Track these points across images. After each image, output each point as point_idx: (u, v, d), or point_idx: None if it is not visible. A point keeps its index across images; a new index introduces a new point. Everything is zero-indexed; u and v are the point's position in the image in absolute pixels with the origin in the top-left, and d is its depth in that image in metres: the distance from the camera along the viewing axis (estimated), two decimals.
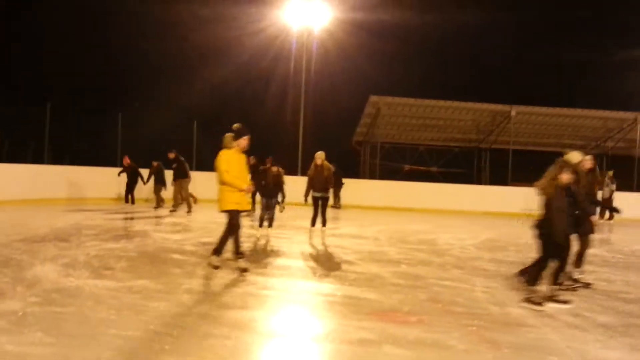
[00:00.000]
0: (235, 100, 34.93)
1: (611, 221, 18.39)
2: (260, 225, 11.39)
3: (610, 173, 19.49)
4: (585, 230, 6.83)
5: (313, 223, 11.89)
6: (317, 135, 29.25)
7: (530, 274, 6.28)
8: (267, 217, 11.43)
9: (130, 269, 7.00)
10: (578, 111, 27.44)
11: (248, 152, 7.47)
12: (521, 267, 6.90)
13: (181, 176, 15.44)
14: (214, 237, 10.49)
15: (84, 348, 3.99)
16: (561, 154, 6.83)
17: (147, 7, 31.00)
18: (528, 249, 10.89)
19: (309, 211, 12.11)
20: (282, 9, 23.48)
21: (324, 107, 31.85)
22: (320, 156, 11.88)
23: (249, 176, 7.71)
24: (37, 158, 18.00)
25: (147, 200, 18.06)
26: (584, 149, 30.74)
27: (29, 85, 28.53)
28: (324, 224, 11.82)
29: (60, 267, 6.84)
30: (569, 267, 6.78)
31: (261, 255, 8.83)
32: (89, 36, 34.67)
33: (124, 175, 17.17)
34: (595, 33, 34.60)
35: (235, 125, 7.19)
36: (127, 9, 31.10)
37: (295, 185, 21.29)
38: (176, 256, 8.16)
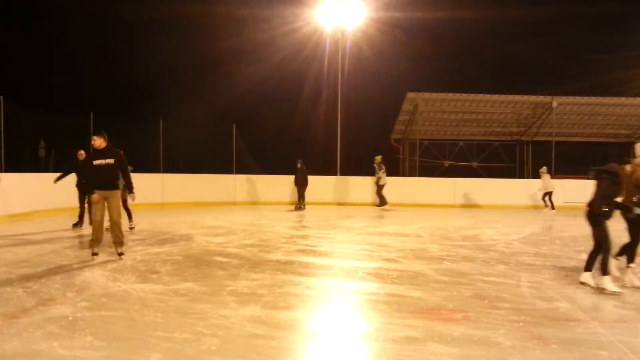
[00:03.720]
0: (270, 101, 35.17)
1: None
2: None
3: None
4: None
5: None
6: (355, 134, 29.24)
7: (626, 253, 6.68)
8: None
9: (175, 272, 7.13)
10: (622, 100, 26.65)
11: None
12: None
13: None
14: (256, 238, 10.61)
15: (132, 351, 4.08)
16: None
17: (181, 11, 31.43)
18: (573, 242, 10.65)
19: (349, 211, 12.09)
20: (316, 9, 23.51)
21: (359, 106, 31.76)
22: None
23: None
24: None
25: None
26: (629, 138, 29.90)
27: (73, 98, 29.33)
28: None
29: (108, 272, 7.02)
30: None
31: (303, 255, 8.86)
32: (126, 45, 35.44)
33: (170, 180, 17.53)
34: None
35: None
36: (162, 14, 31.61)
37: (335, 185, 21.43)
38: (220, 259, 8.27)
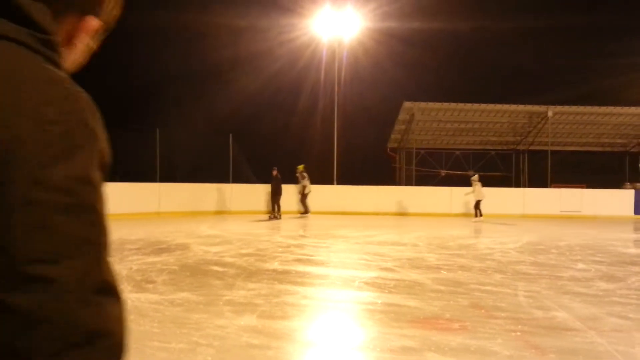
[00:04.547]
0: (268, 111, 35.26)
1: None
2: None
3: None
4: None
5: None
6: (351, 143, 29.29)
7: None
8: None
9: (171, 282, 7.10)
10: (617, 109, 26.78)
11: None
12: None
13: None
14: (253, 248, 10.60)
15: None
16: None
17: (179, 21, 31.51)
18: (570, 251, 10.67)
19: (346, 220, 12.09)
20: (312, 20, 23.64)
21: (356, 116, 31.89)
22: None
23: None
24: None
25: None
26: (625, 147, 30.04)
27: None
28: None
29: None
30: None
31: (299, 264, 8.85)
32: (123, 53, 35.43)
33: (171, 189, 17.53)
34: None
35: None
36: (161, 23, 31.72)
37: (331, 194, 21.44)
38: (216, 268, 8.25)
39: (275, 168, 18.63)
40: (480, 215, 18.64)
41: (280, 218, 18.14)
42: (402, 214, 20.17)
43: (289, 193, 19.10)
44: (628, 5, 35.41)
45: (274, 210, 18.43)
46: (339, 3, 23.63)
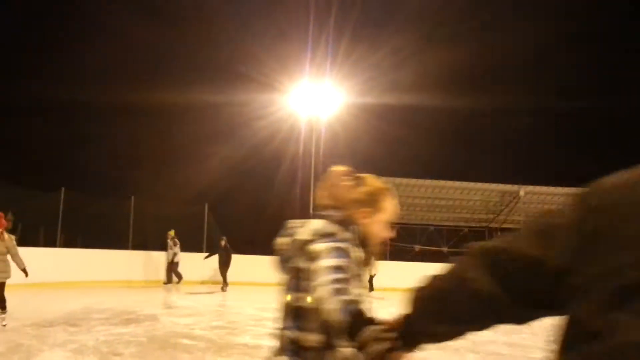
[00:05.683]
0: (245, 183, 35.42)
1: None
2: None
3: None
4: None
5: None
6: None
7: None
8: None
9: (139, 354, 6.92)
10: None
11: None
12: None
13: None
14: (224, 320, 10.40)
15: None
16: None
17: (159, 96, 32.03)
18: (542, 331, 10.68)
19: None
20: (290, 97, 24.27)
21: None
22: None
23: None
24: (48, 241, 18.13)
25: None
26: None
27: (43, 171, 29.22)
28: None
29: (69, 352, 6.79)
30: None
31: (269, 339, 8.69)
32: (100, 127, 35.70)
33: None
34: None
35: None
36: (138, 96, 32.16)
37: None
38: (185, 341, 8.07)
39: (224, 238, 18.03)
40: (371, 289, 18.27)
41: (226, 290, 17.34)
42: (375, 289, 20.02)
43: (253, 264, 18.87)
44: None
45: (224, 282, 17.63)
46: (318, 79, 24.41)
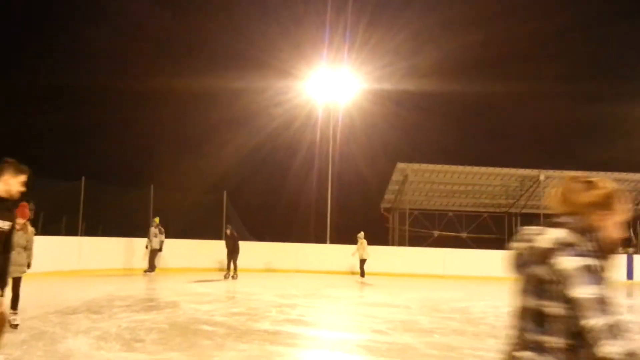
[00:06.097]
0: (262, 170, 35.47)
1: None
2: None
3: None
4: None
5: None
6: (345, 203, 29.37)
7: None
8: None
9: (161, 341, 6.99)
10: (608, 174, 27.11)
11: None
12: None
13: None
14: (244, 307, 10.48)
15: None
16: None
17: (176, 84, 32.13)
18: None
19: (339, 280, 12.02)
20: (308, 82, 24.19)
21: (350, 175, 32.09)
22: None
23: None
24: (70, 230, 18.33)
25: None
26: None
27: (65, 161, 29.53)
28: None
29: (92, 339, 6.88)
30: None
31: (291, 325, 8.74)
32: (120, 114, 35.93)
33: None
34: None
35: None
36: (157, 86, 32.28)
37: (324, 253, 21.35)
38: (206, 327, 8.14)
39: (229, 226, 18.02)
40: (362, 275, 18.09)
41: (236, 278, 17.16)
42: (395, 274, 20.02)
43: (271, 251, 18.86)
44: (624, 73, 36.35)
45: (228, 269, 17.44)
46: (335, 66, 24.29)
